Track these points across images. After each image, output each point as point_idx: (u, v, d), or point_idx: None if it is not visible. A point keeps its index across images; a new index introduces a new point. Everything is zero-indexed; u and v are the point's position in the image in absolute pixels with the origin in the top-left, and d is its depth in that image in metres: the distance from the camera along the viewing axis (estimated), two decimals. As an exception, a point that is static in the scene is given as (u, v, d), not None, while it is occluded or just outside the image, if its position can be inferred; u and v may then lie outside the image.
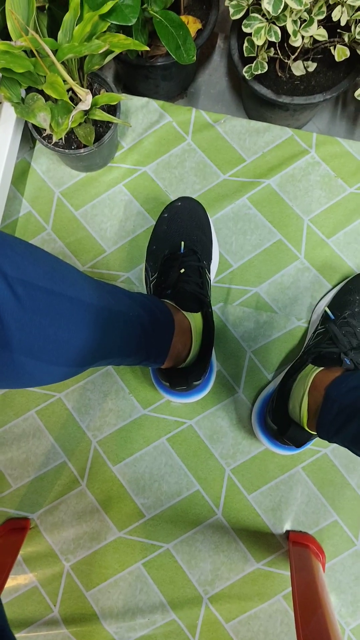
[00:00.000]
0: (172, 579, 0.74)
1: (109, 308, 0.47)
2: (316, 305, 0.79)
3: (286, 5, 0.70)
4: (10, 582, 0.74)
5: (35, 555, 0.75)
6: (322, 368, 0.63)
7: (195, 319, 0.65)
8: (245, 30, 0.73)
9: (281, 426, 0.64)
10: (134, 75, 0.93)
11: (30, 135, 0.84)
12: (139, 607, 0.73)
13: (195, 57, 0.73)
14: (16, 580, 0.74)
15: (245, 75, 0.81)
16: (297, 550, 0.70)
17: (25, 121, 0.79)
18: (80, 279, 0.45)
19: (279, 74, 0.86)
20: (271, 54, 0.80)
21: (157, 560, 0.74)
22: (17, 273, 0.36)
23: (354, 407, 0.53)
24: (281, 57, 0.80)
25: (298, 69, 0.85)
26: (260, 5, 0.73)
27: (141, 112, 0.86)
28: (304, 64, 0.85)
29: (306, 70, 0.85)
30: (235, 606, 0.73)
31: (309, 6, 0.71)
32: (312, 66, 0.86)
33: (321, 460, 0.76)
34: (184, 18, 0.88)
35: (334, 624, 0.54)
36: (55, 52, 0.62)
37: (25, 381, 0.41)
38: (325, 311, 0.71)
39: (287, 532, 0.75)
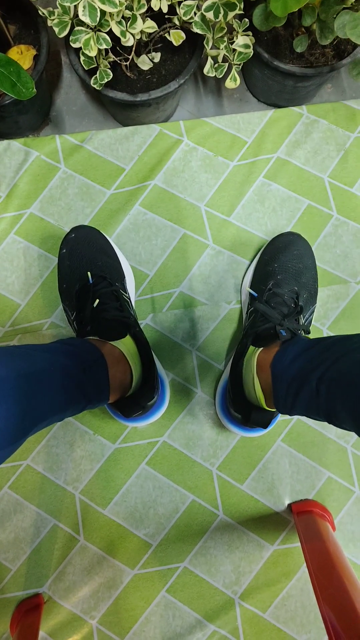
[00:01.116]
0: (200, 594, 0.73)
1: (23, 374, 0.45)
2: (241, 284, 0.79)
3: (104, 11, 0.69)
4: (45, 662, 0.72)
5: (59, 626, 0.72)
6: (262, 348, 0.63)
7: (125, 344, 0.64)
8: (74, 45, 0.72)
9: (243, 413, 0.64)
10: (-12, 119, 0.90)
11: None
12: (177, 633, 0.72)
13: (34, 90, 0.70)
14: (50, 657, 0.72)
15: (95, 86, 0.79)
16: (303, 519, 0.71)
17: None
18: (-16, 358, 0.43)
19: (129, 74, 0.85)
20: (111, 59, 0.78)
21: (179, 581, 0.73)
22: None
23: (299, 378, 0.54)
24: (117, 60, 0.79)
25: (144, 63, 0.84)
26: (82, 16, 0.72)
27: (5, 155, 0.83)
28: (148, 57, 0.85)
29: (153, 62, 0.85)
30: (266, 594, 0.73)
31: (126, 3, 0.71)
32: (157, 57, 0.85)
33: (296, 427, 0.77)
34: (15, 49, 0.86)
35: (352, 582, 0.55)
36: None
37: None
38: (249, 292, 0.72)
39: (289, 505, 0.75)
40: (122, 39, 0.73)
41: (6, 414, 0.41)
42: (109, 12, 0.70)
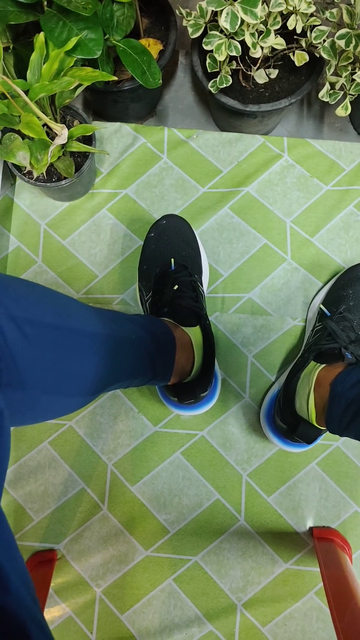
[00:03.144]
0: (205, 591, 0.74)
1: (112, 335, 0.48)
2: (310, 303, 0.81)
3: (242, 21, 0.73)
4: (45, 616, 0.74)
5: (65, 585, 0.75)
6: (324, 365, 0.64)
7: (194, 333, 0.66)
8: (206, 48, 0.75)
9: (290, 425, 0.65)
10: (103, 100, 0.95)
11: (10, 173, 0.86)
12: (175, 623, 0.73)
13: (160, 80, 0.75)
14: (50, 613, 0.74)
15: (211, 89, 0.83)
16: (323, 546, 0.71)
17: (4, 160, 0.81)
18: (82, 310, 0.46)
19: (244, 84, 0.88)
20: (233, 67, 0.82)
21: (187, 574, 0.75)
22: (24, 314, 0.37)
23: (360, 400, 0.54)
24: (243, 69, 0.83)
25: (261, 77, 0.88)
26: (217, 22, 0.76)
27: (115, 137, 0.88)
28: (266, 72, 0.88)
29: (269, 78, 0.88)
30: (269, 609, 0.73)
31: (264, 18, 0.74)
32: (274, 73, 0.88)
33: (334, 454, 0.77)
34: (144, 41, 0.91)
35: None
36: (26, 92, 0.64)
37: (43, 416, 0.42)
38: (320, 308, 0.73)
39: (311, 528, 0.76)
40: (252, 50, 0.76)
41: (96, 365, 0.44)
42: (247, 23, 0.73)
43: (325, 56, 0.77)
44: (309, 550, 0.75)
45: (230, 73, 0.82)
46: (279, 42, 0.78)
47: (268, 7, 0.72)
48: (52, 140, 0.67)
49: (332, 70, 0.80)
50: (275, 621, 0.73)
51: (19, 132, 0.70)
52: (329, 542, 0.72)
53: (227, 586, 0.74)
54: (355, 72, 0.79)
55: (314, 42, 0.77)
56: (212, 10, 0.76)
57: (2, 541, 0.28)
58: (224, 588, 0.74)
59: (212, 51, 0.77)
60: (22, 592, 0.28)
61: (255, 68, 0.83)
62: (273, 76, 0.88)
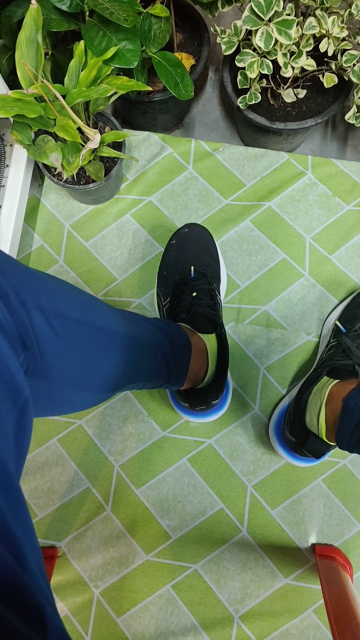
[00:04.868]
0: (202, 600, 0.74)
1: (133, 335, 0.49)
2: (326, 319, 0.81)
3: (276, 41, 0.75)
4: (41, 613, 0.74)
5: (64, 583, 0.75)
6: (337, 380, 0.65)
7: (210, 340, 0.67)
8: (239, 65, 0.78)
9: (299, 438, 0.66)
10: (132, 109, 0.97)
11: (39, 173, 0.88)
12: (170, 631, 0.73)
13: (192, 93, 0.77)
14: (46, 610, 0.74)
15: (240, 105, 0.85)
16: (325, 564, 0.70)
17: (35, 160, 0.83)
18: (105, 309, 0.48)
19: (271, 102, 0.90)
20: (263, 85, 0.84)
21: (186, 581, 0.75)
22: (53, 307, 0.39)
23: (373, 417, 0.55)
24: (273, 87, 0.85)
25: (289, 96, 0.90)
26: (250, 40, 0.78)
27: (143, 145, 0.90)
28: (294, 92, 0.90)
29: (297, 97, 0.90)
30: (266, 623, 0.73)
31: (297, 40, 0.76)
32: (302, 93, 0.90)
33: (340, 472, 0.77)
34: (177, 55, 0.93)
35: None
36: (63, 96, 0.66)
37: (62, 409, 0.43)
38: (336, 325, 0.74)
39: (313, 545, 0.75)
40: (283, 70, 0.78)
41: (116, 363, 0.45)
42: (280, 43, 0.75)
43: (354, 79, 0.79)
44: (309, 567, 0.74)
45: (259, 90, 0.84)
46: (309, 64, 0.80)
47: (302, 30, 0.74)
48: (84, 144, 0.69)
49: (359, 93, 0.81)
50: (271, 636, 0.73)
51: (52, 135, 0.73)
52: (330, 560, 0.72)
53: (225, 597, 0.74)
54: (383, 97, 0.80)
55: (344, 65, 0.79)
56: (247, 29, 0.78)
57: (23, 524, 0.29)
58: (222, 599, 0.74)
59: (244, 68, 0.79)
60: (38, 574, 0.28)
61: (285, 87, 0.85)
62: (301, 96, 0.90)
